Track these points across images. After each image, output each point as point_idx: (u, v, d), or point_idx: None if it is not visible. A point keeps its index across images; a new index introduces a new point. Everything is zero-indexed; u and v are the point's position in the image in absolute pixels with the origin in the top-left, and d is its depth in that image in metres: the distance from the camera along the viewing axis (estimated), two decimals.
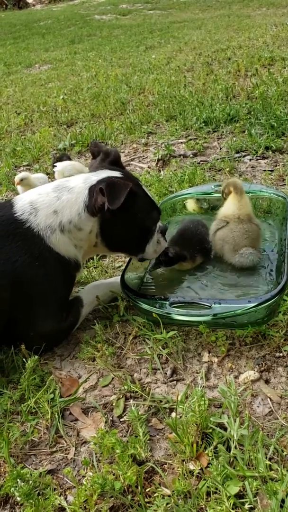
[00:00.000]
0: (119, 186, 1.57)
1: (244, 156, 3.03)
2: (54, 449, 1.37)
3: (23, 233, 1.62)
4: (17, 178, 2.70)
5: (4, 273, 1.56)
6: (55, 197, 1.68)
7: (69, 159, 3.17)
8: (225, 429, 1.27)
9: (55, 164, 2.90)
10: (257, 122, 3.39)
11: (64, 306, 1.72)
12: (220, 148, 3.23)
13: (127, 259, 1.92)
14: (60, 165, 2.87)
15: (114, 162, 1.81)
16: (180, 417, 1.33)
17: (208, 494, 1.15)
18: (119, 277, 1.79)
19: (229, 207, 1.95)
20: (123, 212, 1.61)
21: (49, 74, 6.89)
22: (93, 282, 1.93)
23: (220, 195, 2.06)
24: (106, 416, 1.43)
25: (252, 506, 1.10)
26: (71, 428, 1.42)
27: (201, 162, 3.05)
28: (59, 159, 3.05)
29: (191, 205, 2.31)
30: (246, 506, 1.10)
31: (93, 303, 1.82)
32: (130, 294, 1.70)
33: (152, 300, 1.67)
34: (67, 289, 1.75)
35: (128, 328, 1.75)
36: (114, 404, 1.47)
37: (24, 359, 1.54)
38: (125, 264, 1.90)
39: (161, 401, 1.44)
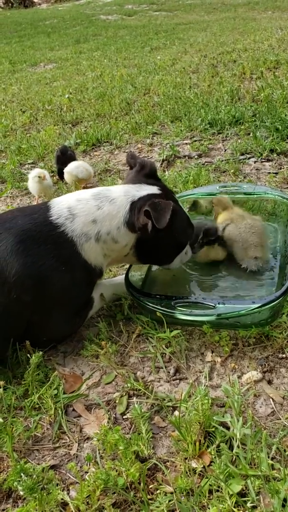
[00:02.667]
0: (163, 207, 1.57)
1: (249, 158, 3.04)
2: (57, 444, 1.37)
3: (56, 236, 1.60)
4: (41, 174, 2.71)
5: (29, 275, 1.54)
6: (95, 206, 1.66)
7: (73, 153, 3.18)
8: (228, 428, 1.28)
9: (61, 167, 2.94)
10: (262, 124, 3.40)
11: (80, 311, 1.73)
12: (225, 150, 3.24)
13: None
14: (70, 167, 2.89)
15: (150, 174, 1.81)
16: (183, 415, 1.33)
17: (210, 492, 1.16)
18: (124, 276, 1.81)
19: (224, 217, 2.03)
20: (163, 230, 1.60)
21: (54, 73, 6.90)
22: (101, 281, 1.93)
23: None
24: (109, 413, 1.44)
25: (254, 504, 1.11)
26: (74, 424, 1.43)
27: (206, 163, 3.06)
28: (63, 152, 3.06)
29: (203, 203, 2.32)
30: (248, 505, 1.11)
31: (100, 304, 1.83)
32: (135, 292, 1.71)
33: (156, 299, 1.67)
34: (87, 295, 1.74)
35: (132, 326, 1.76)
36: (117, 401, 1.48)
37: (28, 355, 1.54)
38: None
39: (164, 400, 1.45)
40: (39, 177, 2.70)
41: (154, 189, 1.73)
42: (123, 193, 1.69)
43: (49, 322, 1.65)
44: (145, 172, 1.80)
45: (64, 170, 2.94)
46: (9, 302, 1.52)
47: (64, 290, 1.63)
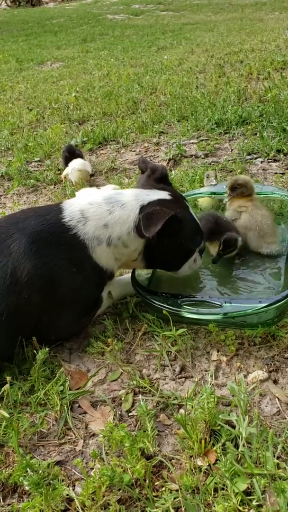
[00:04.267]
0: (158, 216, 1.56)
1: (256, 158, 3.03)
2: (63, 440, 1.38)
3: (68, 238, 1.61)
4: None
5: (41, 275, 1.54)
6: (107, 211, 1.67)
7: (80, 152, 3.18)
8: (234, 427, 1.28)
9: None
10: (269, 125, 3.40)
11: (88, 311, 1.74)
12: (232, 150, 3.24)
13: None
14: (78, 164, 2.91)
15: (161, 179, 1.81)
16: (189, 413, 1.33)
17: (215, 490, 1.16)
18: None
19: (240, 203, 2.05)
20: (168, 237, 1.61)
21: (61, 71, 6.91)
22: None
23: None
24: (114, 410, 1.44)
25: (260, 503, 1.11)
26: (80, 421, 1.43)
27: (212, 163, 3.06)
28: (71, 152, 3.06)
29: (205, 202, 2.31)
30: (254, 503, 1.11)
31: (108, 302, 1.83)
32: (141, 291, 1.72)
33: (162, 297, 1.68)
34: (97, 296, 1.74)
35: (138, 324, 1.76)
36: (122, 399, 1.48)
37: (34, 351, 1.55)
38: None
39: (169, 397, 1.45)
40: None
41: (164, 194, 1.73)
42: (134, 198, 1.70)
43: (58, 322, 1.65)
44: (156, 177, 1.81)
45: (71, 169, 2.95)
46: (20, 301, 1.52)
47: (75, 291, 1.64)
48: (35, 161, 3.56)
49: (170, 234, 1.61)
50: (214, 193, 2.28)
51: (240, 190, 2.06)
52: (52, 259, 1.57)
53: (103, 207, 1.68)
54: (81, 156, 3.10)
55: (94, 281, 1.69)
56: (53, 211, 1.68)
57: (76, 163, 2.93)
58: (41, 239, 1.58)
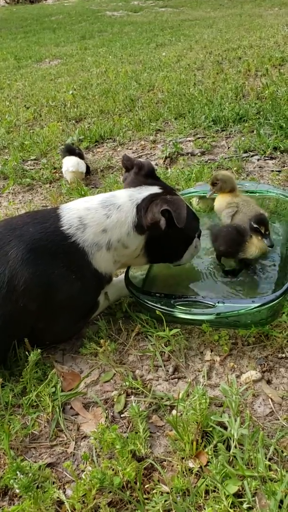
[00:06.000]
0: (178, 204, 1.59)
1: (252, 156, 3.02)
2: (54, 442, 1.37)
3: (67, 246, 1.60)
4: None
5: (38, 284, 1.53)
6: (104, 215, 1.66)
7: (80, 150, 3.16)
8: (226, 428, 1.27)
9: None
10: (266, 122, 3.38)
11: (85, 316, 1.73)
12: (228, 147, 3.22)
13: None
14: (71, 165, 2.90)
15: (148, 175, 1.80)
16: (181, 415, 1.32)
17: (206, 492, 1.15)
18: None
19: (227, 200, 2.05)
20: (172, 227, 1.61)
21: (59, 69, 6.89)
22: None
23: None
24: (106, 411, 1.43)
25: (250, 505, 1.10)
26: (72, 423, 1.43)
27: (209, 161, 3.04)
28: (71, 152, 3.04)
29: (201, 203, 2.30)
30: (245, 506, 1.10)
31: (105, 305, 1.82)
32: (134, 291, 1.71)
33: (156, 298, 1.67)
34: (94, 301, 1.73)
35: (131, 324, 1.76)
36: (115, 400, 1.47)
37: (26, 352, 1.54)
38: None
39: (162, 398, 1.45)
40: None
41: (155, 189, 1.73)
42: (128, 198, 1.69)
43: (54, 327, 1.65)
44: (143, 173, 1.80)
45: (64, 170, 2.95)
46: (15, 310, 1.51)
47: (73, 298, 1.63)
48: (31, 160, 3.54)
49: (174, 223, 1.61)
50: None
51: (219, 185, 2.07)
52: (50, 267, 1.56)
53: (100, 212, 1.66)
54: (81, 155, 3.07)
55: (93, 287, 1.68)
56: (51, 217, 1.66)
57: (69, 164, 2.92)
58: (40, 247, 1.56)
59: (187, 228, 1.70)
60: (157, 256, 1.82)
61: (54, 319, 1.62)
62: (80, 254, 1.61)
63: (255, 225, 1.76)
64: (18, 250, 1.53)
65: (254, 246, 1.79)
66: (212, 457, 1.21)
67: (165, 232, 1.65)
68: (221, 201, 2.08)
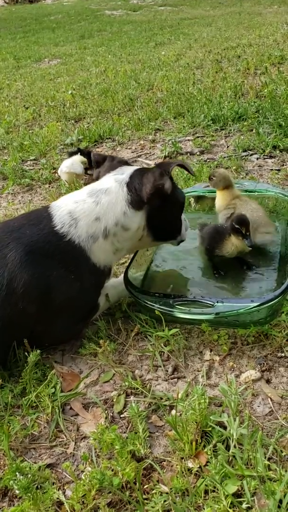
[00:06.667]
0: (176, 162, 1.67)
1: (251, 154, 3.02)
2: (54, 443, 1.37)
3: (63, 245, 1.58)
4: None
5: (37, 286, 1.52)
6: (93, 203, 1.64)
7: (87, 150, 3.15)
8: (225, 428, 1.27)
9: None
10: (265, 121, 3.38)
11: (85, 317, 1.72)
12: (227, 146, 3.22)
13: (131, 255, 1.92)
14: (67, 166, 2.90)
15: (122, 162, 1.81)
16: (180, 414, 1.32)
17: (206, 492, 1.15)
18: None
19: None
20: (170, 194, 1.64)
21: (58, 68, 6.89)
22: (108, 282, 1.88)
23: None
24: (106, 411, 1.43)
25: (249, 505, 1.10)
26: (71, 423, 1.43)
27: (208, 160, 3.04)
28: (85, 153, 3.04)
29: (194, 206, 2.31)
30: (244, 506, 1.10)
31: (105, 306, 1.81)
32: (133, 291, 1.71)
33: (155, 297, 1.67)
34: (95, 301, 1.72)
35: (131, 324, 1.76)
36: (114, 400, 1.47)
37: (26, 353, 1.54)
38: (129, 260, 1.89)
39: (161, 398, 1.45)
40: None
41: (135, 167, 1.75)
42: (113, 180, 1.69)
43: (54, 329, 1.64)
44: (118, 160, 1.81)
45: (59, 170, 2.95)
46: (15, 312, 1.51)
47: (72, 299, 1.62)
48: (31, 160, 3.54)
49: (171, 190, 1.64)
50: (210, 191, 2.26)
51: (214, 182, 2.11)
52: (48, 269, 1.55)
53: (88, 202, 1.65)
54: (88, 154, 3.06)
55: (93, 285, 1.67)
56: (44, 218, 1.64)
57: (65, 164, 2.92)
58: (37, 249, 1.55)
59: (178, 196, 1.76)
60: (161, 232, 1.79)
61: (53, 321, 1.61)
62: (77, 251, 1.60)
63: (236, 226, 1.80)
64: (16, 253, 1.53)
65: (231, 243, 1.85)
66: (211, 457, 1.21)
67: (164, 203, 1.65)
68: (221, 202, 2.08)
